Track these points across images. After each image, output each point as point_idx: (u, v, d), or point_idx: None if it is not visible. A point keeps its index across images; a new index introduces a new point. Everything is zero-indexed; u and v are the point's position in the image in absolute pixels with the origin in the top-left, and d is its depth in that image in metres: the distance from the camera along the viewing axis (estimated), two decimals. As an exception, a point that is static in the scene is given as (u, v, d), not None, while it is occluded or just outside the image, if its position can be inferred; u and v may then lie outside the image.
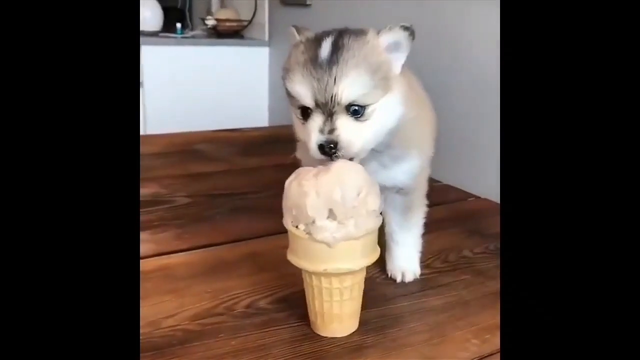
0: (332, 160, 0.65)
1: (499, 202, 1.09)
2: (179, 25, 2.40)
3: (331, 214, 0.61)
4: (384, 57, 0.68)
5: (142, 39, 2.20)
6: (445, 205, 1.09)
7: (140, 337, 0.64)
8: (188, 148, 1.41)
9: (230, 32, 2.38)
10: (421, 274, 0.81)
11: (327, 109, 0.65)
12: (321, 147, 0.65)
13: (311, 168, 0.64)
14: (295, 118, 0.70)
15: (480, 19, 1.22)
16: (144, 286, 0.75)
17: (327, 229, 0.61)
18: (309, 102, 0.66)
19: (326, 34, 0.68)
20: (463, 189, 1.20)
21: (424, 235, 0.90)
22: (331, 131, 0.65)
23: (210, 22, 2.38)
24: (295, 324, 0.68)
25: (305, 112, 0.67)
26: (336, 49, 0.65)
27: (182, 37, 2.36)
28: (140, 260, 0.82)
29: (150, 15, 2.42)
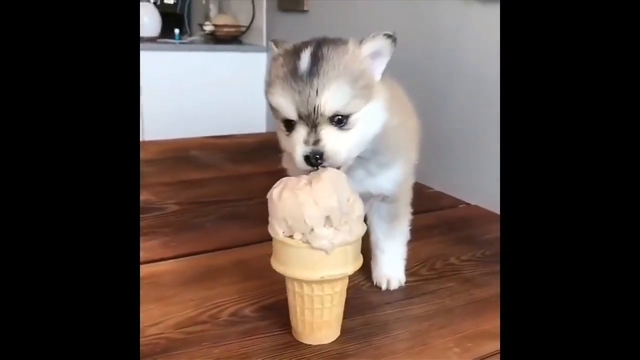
0: (317, 170, 0.65)
1: (491, 208, 1.10)
2: (177, 31, 2.41)
3: (327, 221, 0.62)
4: (365, 65, 0.68)
5: (140, 44, 2.21)
6: (435, 213, 1.09)
7: (124, 346, 0.65)
8: (181, 155, 1.42)
9: (228, 38, 2.39)
10: (407, 282, 0.81)
11: (311, 120, 0.65)
12: (307, 158, 0.65)
13: (296, 178, 0.64)
14: (279, 130, 0.71)
15: (480, 22, 1.22)
16: (131, 294, 0.76)
17: (325, 236, 0.61)
18: (292, 114, 0.66)
19: (305, 45, 0.68)
20: (457, 195, 1.20)
21: (411, 242, 0.90)
22: (316, 142, 0.65)
23: (208, 27, 2.38)
24: (278, 333, 0.69)
25: (289, 124, 0.68)
26: (316, 60, 0.65)
27: (180, 43, 2.36)
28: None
29: (148, 21, 2.42)
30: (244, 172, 1.29)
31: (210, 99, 2.30)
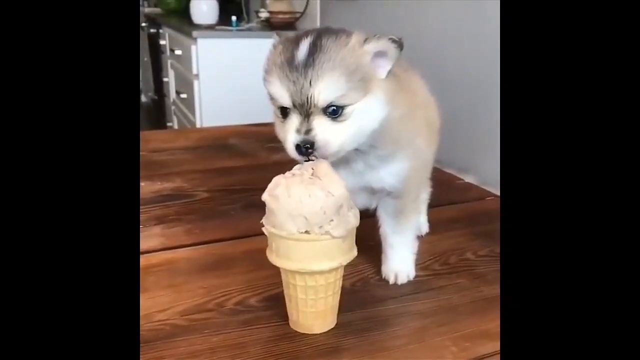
0: (309, 160, 0.66)
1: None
2: (234, 18, 2.45)
3: (340, 210, 0.63)
4: (364, 60, 0.66)
5: (198, 32, 2.27)
6: (461, 205, 1.06)
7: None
8: (219, 142, 1.44)
9: (283, 24, 2.40)
10: (416, 276, 0.80)
11: (304, 109, 0.65)
12: (298, 147, 0.66)
13: (290, 174, 0.65)
14: (275, 117, 0.71)
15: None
16: (147, 279, 0.79)
17: (342, 224, 0.63)
18: (286, 103, 0.66)
19: (305, 34, 0.68)
20: (490, 189, 1.16)
21: (430, 235, 0.89)
22: (308, 131, 0.65)
23: (264, 14, 2.41)
24: (278, 324, 0.69)
25: (284, 112, 0.68)
26: (313, 50, 0.65)
27: (237, 30, 2.40)
28: (148, 254, 0.86)
29: (206, 9, 2.48)
30: (276, 160, 1.29)
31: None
